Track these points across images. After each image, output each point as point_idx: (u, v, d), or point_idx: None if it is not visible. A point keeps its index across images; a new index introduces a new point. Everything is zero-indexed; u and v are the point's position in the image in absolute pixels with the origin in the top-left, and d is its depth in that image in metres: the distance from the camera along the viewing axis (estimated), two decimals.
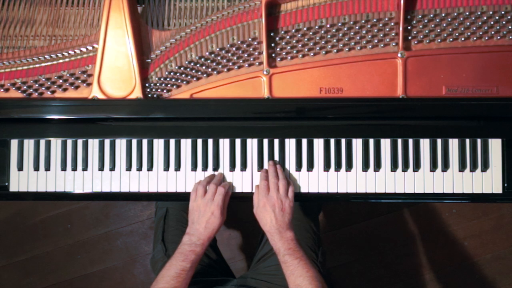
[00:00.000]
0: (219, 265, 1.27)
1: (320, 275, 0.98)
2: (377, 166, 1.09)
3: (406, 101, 1.06)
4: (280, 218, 1.01)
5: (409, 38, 1.06)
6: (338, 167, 1.09)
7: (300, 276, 0.96)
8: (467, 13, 1.06)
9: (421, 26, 1.07)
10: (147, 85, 1.08)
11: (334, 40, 1.07)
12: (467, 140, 1.08)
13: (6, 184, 1.11)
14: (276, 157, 1.10)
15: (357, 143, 1.09)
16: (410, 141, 1.09)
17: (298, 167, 1.09)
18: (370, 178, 1.09)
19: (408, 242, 1.88)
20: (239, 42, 1.07)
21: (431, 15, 1.06)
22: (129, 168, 1.10)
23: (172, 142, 1.11)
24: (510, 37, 1.06)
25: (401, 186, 1.09)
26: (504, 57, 1.05)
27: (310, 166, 1.09)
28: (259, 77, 1.07)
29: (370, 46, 1.07)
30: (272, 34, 1.07)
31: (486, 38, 1.06)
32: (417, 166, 1.08)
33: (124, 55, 1.07)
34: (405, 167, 1.09)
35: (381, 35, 1.06)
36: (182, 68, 1.08)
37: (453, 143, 1.09)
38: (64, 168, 1.11)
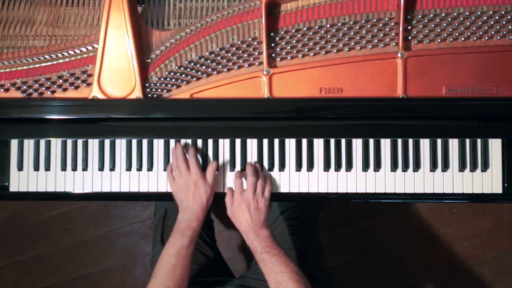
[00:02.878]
0: (218, 265, 1.28)
1: (299, 269, 0.97)
2: (377, 166, 1.09)
3: (406, 101, 1.06)
4: (255, 217, 1.01)
5: (409, 38, 1.06)
6: (338, 167, 1.09)
7: (280, 273, 0.95)
8: (467, 13, 1.06)
9: (421, 26, 1.07)
10: (147, 85, 1.08)
11: (334, 40, 1.07)
12: (467, 140, 1.08)
13: (6, 184, 1.11)
14: (276, 157, 1.10)
15: (357, 143, 1.09)
16: (410, 141, 1.09)
17: (298, 167, 1.09)
18: (370, 178, 1.09)
19: (408, 242, 1.88)
20: (239, 42, 1.07)
21: (431, 15, 1.06)
22: (129, 168, 1.10)
23: (172, 142, 1.11)
24: (510, 37, 1.06)
25: (401, 186, 1.09)
26: (504, 57, 1.05)
27: (310, 166, 1.09)
28: (259, 77, 1.07)
29: (370, 46, 1.07)
30: (272, 34, 1.07)
31: (486, 38, 1.06)
32: (417, 166, 1.08)
33: (124, 55, 1.07)
34: (405, 167, 1.09)
35: (381, 35, 1.07)
36: (182, 68, 1.08)
37: (453, 143, 1.09)
38: (64, 168, 1.11)
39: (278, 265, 0.96)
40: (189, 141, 1.10)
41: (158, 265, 1.00)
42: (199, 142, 1.10)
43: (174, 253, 0.99)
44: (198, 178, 1.04)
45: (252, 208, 1.01)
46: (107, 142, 1.11)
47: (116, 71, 1.07)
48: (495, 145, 1.08)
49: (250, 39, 1.08)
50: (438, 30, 1.06)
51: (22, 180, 1.11)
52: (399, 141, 1.09)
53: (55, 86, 1.08)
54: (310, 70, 1.07)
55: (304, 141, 1.10)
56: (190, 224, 1.02)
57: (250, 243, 1.01)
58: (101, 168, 1.11)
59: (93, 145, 1.11)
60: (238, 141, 1.10)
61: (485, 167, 1.08)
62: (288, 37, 1.07)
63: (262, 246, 0.99)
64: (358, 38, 1.07)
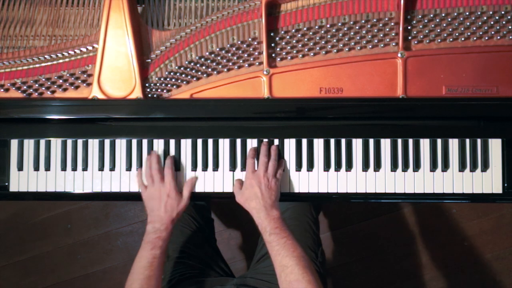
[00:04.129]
0: (218, 265, 1.27)
1: (306, 256, 0.95)
2: (377, 166, 1.09)
3: (406, 101, 1.06)
4: (266, 195, 1.00)
5: (409, 38, 1.06)
6: (338, 167, 1.09)
7: (287, 256, 0.93)
8: (467, 13, 1.06)
9: (421, 26, 1.07)
10: (147, 85, 1.08)
11: (334, 40, 1.07)
12: (467, 140, 1.08)
13: (6, 184, 1.11)
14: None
15: (357, 143, 1.09)
16: (410, 141, 1.09)
17: (298, 167, 1.09)
18: (370, 178, 1.09)
19: (408, 242, 1.88)
20: (239, 42, 1.07)
21: (431, 15, 1.06)
22: (129, 168, 1.10)
23: (172, 142, 1.11)
24: (510, 37, 1.06)
25: (401, 186, 1.09)
26: (504, 57, 1.05)
27: (310, 166, 1.09)
28: (259, 77, 1.07)
29: (370, 46, 1.07)
30: (272, 34, 1.07)
31: (486, 38, 1.06)
32: (417, 166, 1.08)
33: (124, 55, 1.07)
34: (405, 167, 1.09)
35: (381, 35, 1.07)
36: (182, 68, 1.08)
37: (453, 143, 1.09)
38: (64, 168, 1.11)
39: (286, 248, 0.94)
40: (189, 141, 1.10)
41: (131, 277, 0.99)
42: (199, 142, 1.10)
43: (147, 264, 0.99)
44: (171, 189, 1.04)
45: (263, 186, 1.01)
46: (107, 142, 1.11)
47: (116, 71, 1.07)
48: (495, 145, 1.08)
49: (250, 39, 1.08)
50: (438, 30, 1.06)
51: (22, 180, 1.11)
52: (399, 141, 1.09)
53: (55, 86, 1.08)
54: (310, 70, 1.07)
55: (304, 141, 1.10)
56: (160, 235, 1.02)
57: (259, 222, 1.00)
58: (101, 168, 1.11)
59: (93, 145, 1.11)
60: (238, 141, 1.10)
61: (485, 167, 1.08)
62: (288, 37, 1.07)
63: (271, 226, 0.98)
64: (358, 38, 1.07)
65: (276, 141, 1.10)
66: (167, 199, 1.04)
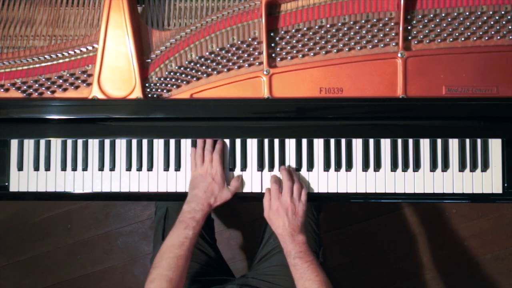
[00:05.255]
0: (219, 265, 1.27)
1: (329, 280, 0.98)
2: (377, 166, 1.09)
3: (406, 101, 1.06)
4: (293, 222, 1.01)
5: (409, 38, 1.06)
6: (338, 167, 1.09)
7: (309, 280, 0.96)
8: (467, 13, 1.06)
9: (421, 26, 1.07)
10: (147, 85, 1.08)
11: (334, 40, 1.07)
12: (467, 140, 1.08)
13: (6, 184, 1.11)
14: (276, 157, 1.10)
15: (357, 143, 1.09)
16: (410, 141, 1.09)
17: (298, 167, 1.09)
18: (370, 178, 1.09)
19: (408, 242, 1.88)
20: (239, 42, 1.07)
21: (431, 15, 1.06)
22: (129, 168, 1.10)
23: (172, 142, 1.11)
24: (510, 37, 1.06)
25: (401, 186, 1.09)
26: (504, 57, 1.05)
27: (310, 166, 1.09)
28: (259, 77, 1.07)
29: (370, 46, 1.07)
30: (272, 34, 1.07)
31: (486, 38, 1.06)
32: (417, 166, 1.08)
33: (124, 55, 1.07)
34: (405, 167, 1.09)
35: (381, 35, 1.06)
36: (182, 68, 1.08)
37: (453, 143, 1.09)
38: (64, 168, 1.11)
39: (309, 272, 0.97)
40: (189, 141, 1.10)
41: (160, 255, 0.98)
42: None
43: (178, 243, 0.98)
44: (217, 173, 1.05)
45: (290, 213, 1.02)
46: (107, 142, 1.11)
47: (116, 71, 1.07)
48: (495, 145, 1.08)
49: (250, 39, 1.08)
50: (438, 30, 1.06)
51: (22, 180, 1.11)
52: (399, 141, 1.09)
53: (55, 86, 1.08)
54: (310, 70, 1.07)
55: (304, 141, 1.10)
56: (194, 215, 1.01)
57: (284, 246, 1.02)
58: (101, 168, 1.11)
59: (93, 145, 1.11)
60: (238, 141, 1.10)
61: (485, 167, 1.08)
62: (288, 37, 1.07)
63: (296, 251, 0.99)
64: (358, 38, 1.07)
65: (276, 141, 1.10)
66: (211, 181, 1.04)
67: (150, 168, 1.11)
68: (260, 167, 1.10)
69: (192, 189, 1.05)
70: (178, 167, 1.10)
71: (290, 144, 1.10)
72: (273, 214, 1.03)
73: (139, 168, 1.10)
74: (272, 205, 1.04)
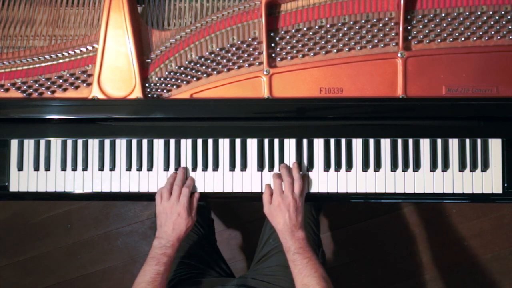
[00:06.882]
0: (219, 265, 1.27)
1: (328, 276, 0.98)
2: (377, 166, 1.09)
3: (406, 101, 1.06)
4: (293, 218, 1.02)
5: (409, 38, 1.06)
6: (338, 167, 1.09)
7: (308, 276, 0.96)
8: (467, 13, 1.06)
9: (421, 26, 1.07)
10: (147, 85, 1.08)
11: (334, 40, 1.07)
12: (467, 140, 1.08)
13: (6, 184, 1.11)
14: (276, 157, 1.10)
15: (357, 143, 1.09)
16: (410, 141, 1.09)
17: (298, 167, 1.09)
18: (370, 178, 1.09)
19: (408, 242, 1.88)
20: (239, 42, 1.07)
21: (431, 15, 1.06)
22: (129, 168, 1.10)
23: (172, 142, 1.11)
24: (510, 37, 1.06)
25: (401, 186, 1.09)
26: (504, 57, 1.05)
27: (310, 166, 1.09)
28: (259, 77, 1.07)
29: (370, 46, 1.07)
30: (272, 34, 1.07)
31: (486, 38, 1.06)
32: (417, 166, 1.08)
33: (124, 55, 1.07)
34: (405, 167, 1.09)
35: (381, 35, 1.06)
36: (182, 68, 1.08)
37: (453, 143, 1.09)
38: (64, 168, 1.11)
39: (308, 268, 0.97)
40: (189, 141, 1.10)
41: None
42: (199, 142, 1.10)
43: (149, 279, 0.99)
44: (183, 209, 1.04)
45: (292, 208, 1.02)
46: (107, 142, 1.11)
47: (116, 71, 1.07)
48: (495, 145, 1.08)
49: (250, 39, 1.08)
50: (438, 30, 1.06)
51: (22, 180, 1.11)
52: (399, 141, 1.09)
53: (55, 86, 1.08)
54: (310, 70, 1.07)
55: (304, 141, 1.10)
56: (165, 251, 1.02)
57: (284, 242, 1.02)
58: (101, 168, 1.11)
59: (93, 145, 1.11)
60: (238, 141, 1.10)
61: (485, 167, 1.08)
62: (288, 37, 1.07)
63: (296, 247, 1.00)
64: (358, 38, 1.07)
65: (276, 141, 1.10)
66: (176, 217, 1.04)
67: (150, 168, 1.11)
68: (260, 167, 1.10)
69: (160, 226, 1.05)
70: (178, 167, 1.10)
71: (290, 144, 1.10)
72: (275, 210, 1.03)
73: (139, 168, 1.10)
74: (274, 201, 1.04)
